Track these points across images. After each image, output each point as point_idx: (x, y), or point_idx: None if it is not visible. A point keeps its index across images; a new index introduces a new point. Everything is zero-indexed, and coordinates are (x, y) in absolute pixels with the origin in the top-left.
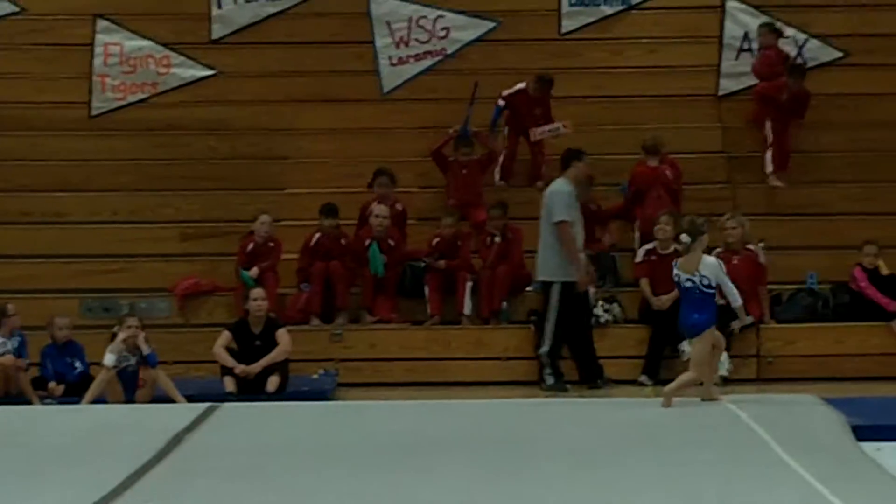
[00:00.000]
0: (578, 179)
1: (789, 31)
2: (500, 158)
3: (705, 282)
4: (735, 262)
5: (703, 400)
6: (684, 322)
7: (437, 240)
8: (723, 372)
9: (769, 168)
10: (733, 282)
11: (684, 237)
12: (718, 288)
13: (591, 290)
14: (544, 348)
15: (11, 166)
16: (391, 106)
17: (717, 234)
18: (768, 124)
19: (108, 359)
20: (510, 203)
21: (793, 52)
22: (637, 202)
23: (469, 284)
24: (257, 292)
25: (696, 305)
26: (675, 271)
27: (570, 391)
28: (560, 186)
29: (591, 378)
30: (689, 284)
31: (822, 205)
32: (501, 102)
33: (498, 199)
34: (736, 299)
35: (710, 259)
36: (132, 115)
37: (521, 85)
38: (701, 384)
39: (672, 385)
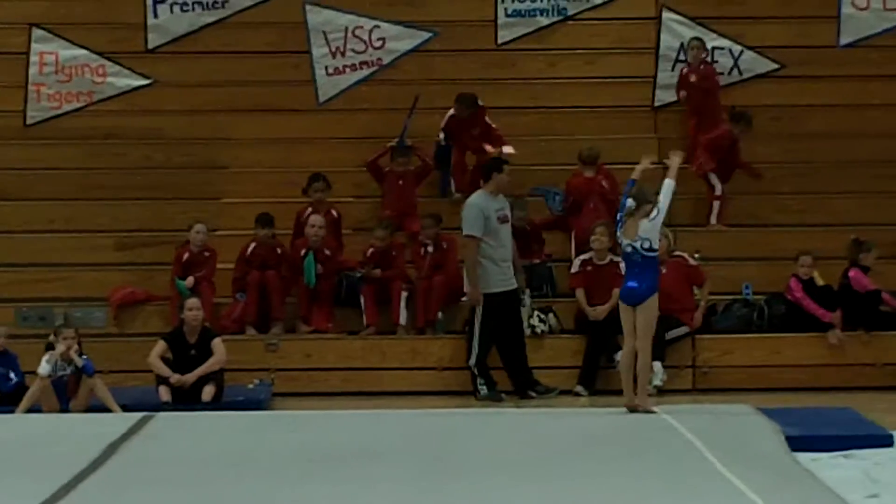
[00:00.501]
0: (500, 190)
1: (725, 43)
2: (451, 171)
3: (646, 245)
4: (663, 270)
5: (628, 408)
6: (625, 290)
7: (371, 250)
8: (657, 382)
9: (714, 220)
10: (664, 290)
11: (629, 201)
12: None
13: (526, 300)
14: (471, 360)
15: None
16: (327, 116)
17: None
18: (714, 175)
19: (43, 368)
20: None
21: (728, 63)
22: (573, 213)
23: (404, 295)
24: (192, 302)
25: (637, 272)
26: (618, 237)
27: (506, 401)
28: (473, 199)
29: (523, 388)
30: (629, 250)
31: (757, 216)
32: (441, 136)
33: (430, 210)
34: (667, 193)
35: (654, 222)
36: (68, 125)
37: (450, 112)
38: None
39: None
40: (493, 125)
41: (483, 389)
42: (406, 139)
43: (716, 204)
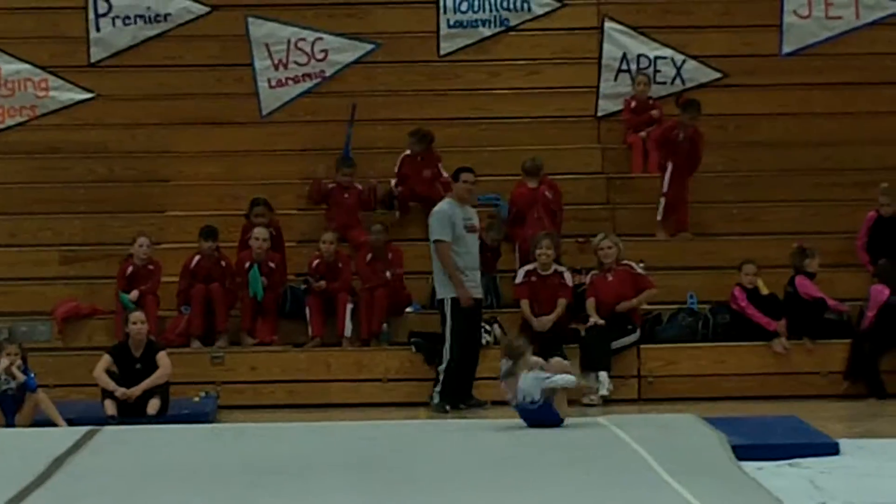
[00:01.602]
0: (461, 199)
1: (668, 52)
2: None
3: (529, 398)
4: (610, 279)
5: None
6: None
7: (317, 261)
8: (603, 392)
9: (660, 216)
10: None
11: (505, 362)
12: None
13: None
14: (442, 364)
15: None
16: (271, 128)
17: (591, 256)
18: (668, 171)
19: None
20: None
21: (671, 72)
22: (517, 223)
23: (349, 307)
24: (136, 315)
25: (536, 419)
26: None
27: (449, 413)
28: (440, 206)
29: (456, 399)
30: (515, 405)
31: (701, 225)
32: (393, 182)
33: (378, 219)
34: (569, 382)
35: (530, 375)
36: (11, 139)
37: (404, 153)
38: None
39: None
40: (444, 173)
41: (436, 398)
42: (350, 149)
43: (661, 200)
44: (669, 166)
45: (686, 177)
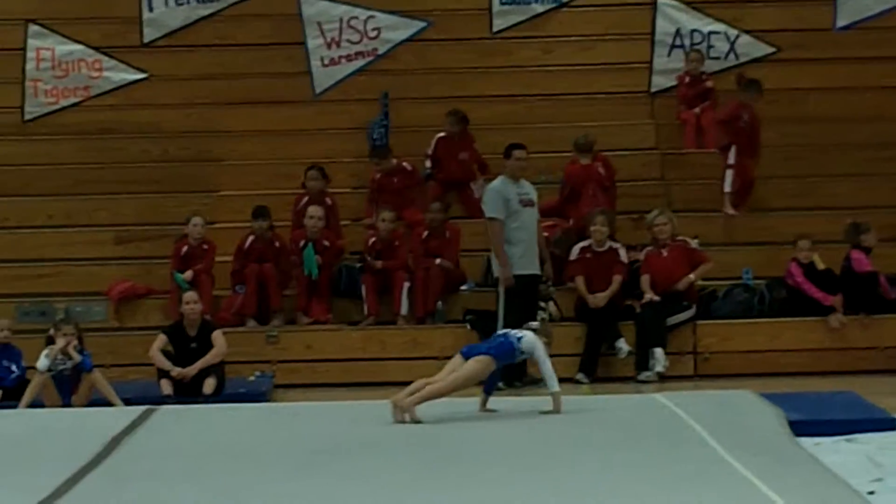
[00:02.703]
0: (515, 175)
1: (721, 27)
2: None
3: (523, 348)
4: (664, 255)
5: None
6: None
7: (373, 239)
8: (659, 368)
9: (728, 188)
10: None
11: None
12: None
13: (551, 289)
14: None
15: None
16: (323, 107)
17: (645, 233)
18: (733, 150)
19: (41, 363)
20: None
21: (724, 47)
22: (571, 200)
23: (406, 285)
24: (189, 296)
25: (495, 345)
26: None
27: (504, 391)
28: (493, 183)
29: (510, 378)
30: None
31: (756, 200)
32: (428, 164)
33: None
34: (550, 378)
35: (540, 342)
36: (65, 120)
37: (439, 135)
38: None
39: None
40: (480, 154)
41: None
42: (378, 137)
43: (728, 173)
44: (733, 149)
45: (750, 158)
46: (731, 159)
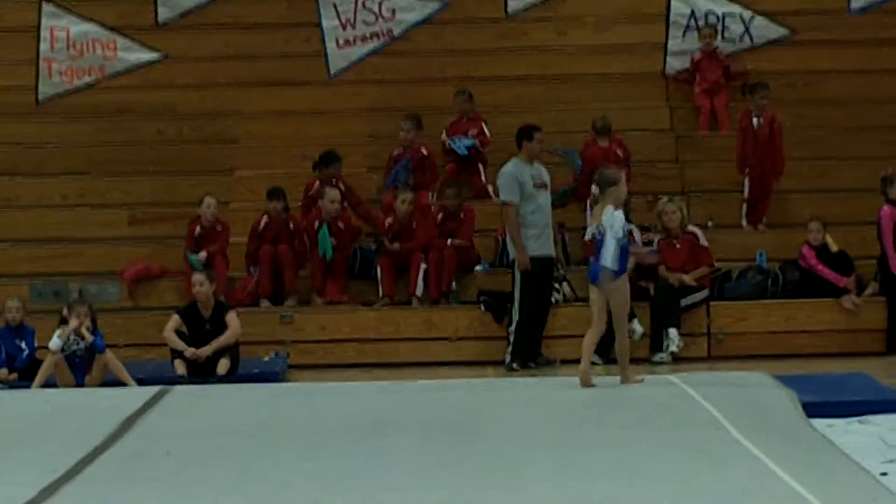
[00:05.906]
0: (532, 157)
1: (735, 9)
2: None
3: (603, 230)
4: (678, 246)
5: (621, 382)
6: (592, 270)
7: (390, 221)
8: (673, 348)
9: (744, 220)
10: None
11: (594, 188)
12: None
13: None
14: (511, 325)
15: None
16: (338, 88)
17: (655, 218)
18: (746, 173)
19: (54, 343)
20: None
21: (739, 29)
22: (588, 182)
23: (423, 266)
24: (196, 277)
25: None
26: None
27: (519, 372)
28: (507, 167)
29: (526, 359)
30: (591, 235)
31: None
32: (444, 136)
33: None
34: (605, 260)
35: (617, 213)
36: (79, 100)
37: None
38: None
39: (622, 367)
40: (487, 133)
41: (507, 358)
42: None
43: (745, 182)
44: (746, 159)
45: (763, 168)
46: (746, 169)
